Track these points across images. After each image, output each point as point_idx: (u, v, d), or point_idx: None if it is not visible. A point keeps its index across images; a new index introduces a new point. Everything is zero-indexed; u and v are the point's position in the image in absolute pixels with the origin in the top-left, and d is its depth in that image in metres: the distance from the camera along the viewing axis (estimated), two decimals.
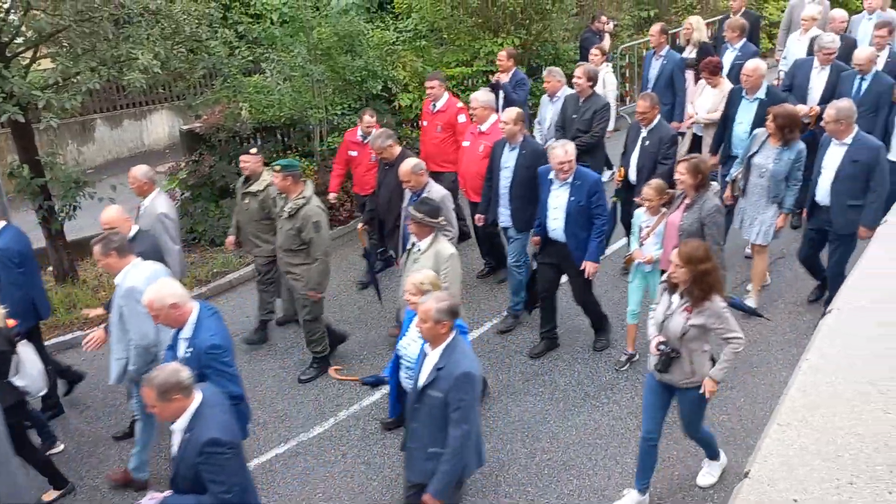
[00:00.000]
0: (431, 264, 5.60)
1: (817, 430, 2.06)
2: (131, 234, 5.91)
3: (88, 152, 13.49)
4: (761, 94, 7.62)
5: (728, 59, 9.22)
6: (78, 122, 13.23)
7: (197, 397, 3.89)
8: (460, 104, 8.68)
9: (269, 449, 6.24)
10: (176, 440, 3.96)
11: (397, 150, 7.42)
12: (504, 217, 7.35)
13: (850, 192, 6.46)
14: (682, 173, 5.97)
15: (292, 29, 9.76)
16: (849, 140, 6.49)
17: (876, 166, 6.39)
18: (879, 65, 8.24)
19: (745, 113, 7.69)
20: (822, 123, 6.82)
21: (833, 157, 6.59)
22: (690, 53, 9.73)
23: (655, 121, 7.27)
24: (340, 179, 8.68)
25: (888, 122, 7.51)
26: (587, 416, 6.22)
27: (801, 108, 8.18)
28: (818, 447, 2.00)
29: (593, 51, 9.91)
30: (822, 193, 6.68)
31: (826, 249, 6.92)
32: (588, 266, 6.55)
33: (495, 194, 7.32)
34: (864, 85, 7.70)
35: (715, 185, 6.36)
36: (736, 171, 7.11)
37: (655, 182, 6.30)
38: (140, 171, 6.71)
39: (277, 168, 6.57)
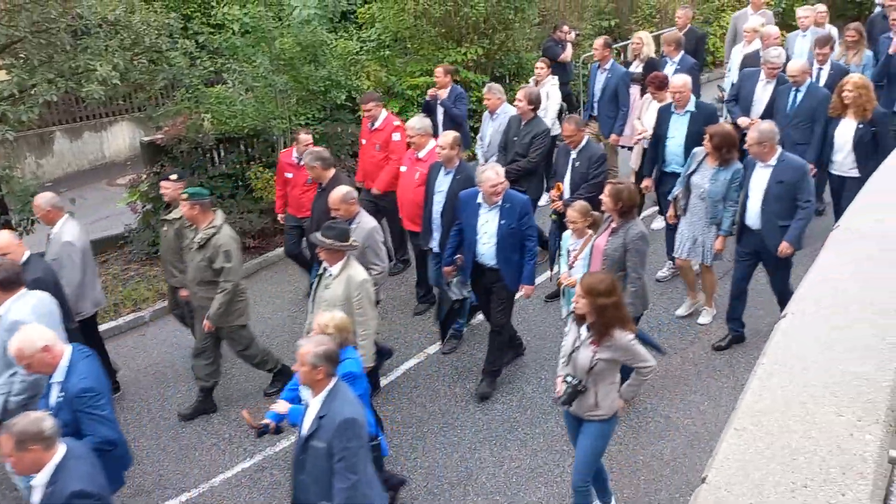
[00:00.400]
0: (342, 289, 5.44)
1: (772, 434, 2.10)
2: (23, 259, 5.67)
3: (47, 165, 13.23)
4: (691, 107, 7.65)
5: (669, 72, 9.13)
6: (36, 135, 12.98)
7: (60, 450, 3.67)
8: (397, 122, 8.47)
9: (235, 464, 6.19)
10: (36, 498, 3.68)
11: (329, 173, 7.11)
12: (435, 243, 7.11)
13: (780, 213, 6.37)
14: (605, 196, 5.86)
15: (254, 39, 9.70)
16: (773, 161, 6.40)
17: (802, 185, 6.33)
18: (822, 80, 8.40)
19: (677, 127, 7.67)
20: (745, 146, 6.72)
21: (759, 180, 6.48)
22: (637, 68, 9.69)
23: (583, 142, 7.27)
24: (283, 200, 8.39)
25: (826, 133, 7.58)
26: (554, 423, 6.25)
27: (744, 121, 8.32)
28: (773, 451, 2.04)
29: (539, 64, 9.84)
30: (752, 216, 6.56)
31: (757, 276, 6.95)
32: (525, 289, 6.45)
33: (426, 219, 7.15)
34: (799, 97, 7.84)
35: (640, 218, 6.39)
36: (677, 190, 7.08)
37: (579, 204, 6.19)
38: (43, 199, 6.49)
39: (184, 196, 6.24)
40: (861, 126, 7.27)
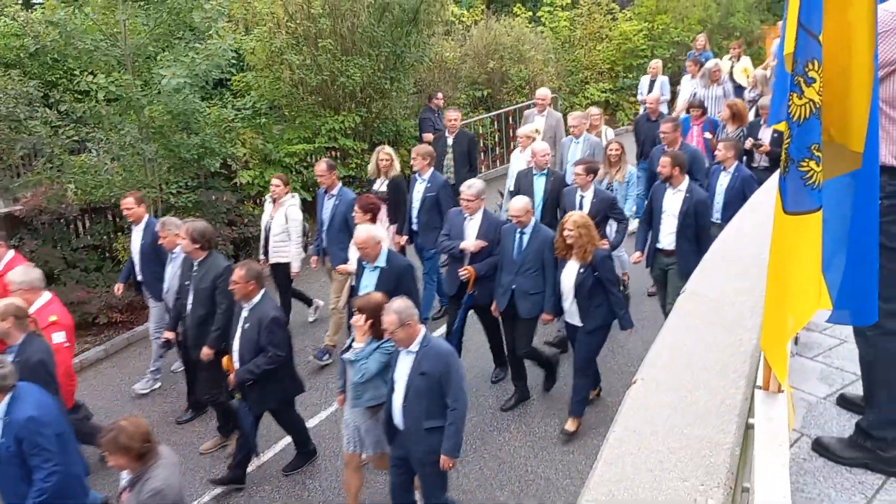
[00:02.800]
0: None
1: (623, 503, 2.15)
2: None
3: None
4: (381, 261, 6.42)
5: (418, 190, 8.32)
6: None
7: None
8: None
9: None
10: None
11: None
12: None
13: (425, 411, 5.11)
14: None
15: (120, 107, 9.44)
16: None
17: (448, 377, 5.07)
18: (586, 207, 7.46)
19: (369, 279, 6.46)
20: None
21: (403, 369, 5.12)
22: (382, 186, 8.61)
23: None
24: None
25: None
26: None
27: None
28: None
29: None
30: (397, 413, 5.16)
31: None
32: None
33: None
34: (525, 240, 6.79)
35: None
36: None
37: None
38: None
39: None
40: (582, 270, 6.35)
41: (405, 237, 8.54)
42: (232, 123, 10.60)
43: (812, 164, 2.06)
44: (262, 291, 5.94)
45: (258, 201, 11.26)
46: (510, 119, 14.46)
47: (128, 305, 9.30)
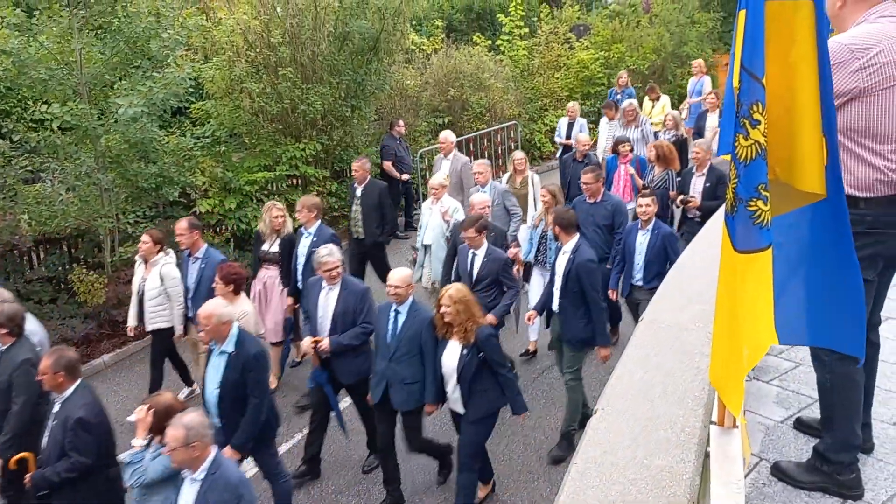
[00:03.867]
0: None
1: None
2: None
3: None
4: (229, 347, 5.45)
5: (304, 244, 7.66)
6: None
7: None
8: None
9: None
10: None
11: None
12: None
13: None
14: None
15: (76, 137, 9.30)
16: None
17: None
18: (477, 267, 6.96)
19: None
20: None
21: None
22: (273, 246, 7.91)
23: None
24: None
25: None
26: None
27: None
28: None
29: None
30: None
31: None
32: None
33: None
34: (401, 320, 5.88)
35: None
36: None
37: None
38: None
39: None
40: (465, 351, 5.55)
41: (290, 298, 7.79)
42: (191, 152, 10.51)
43: (760, 203, 2.11)
44: (76, 384, 5.01)
45: (217, 230, 11.15)
46: (471, 146, 14.59)
47: (83, 338, 9.10)
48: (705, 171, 8.47)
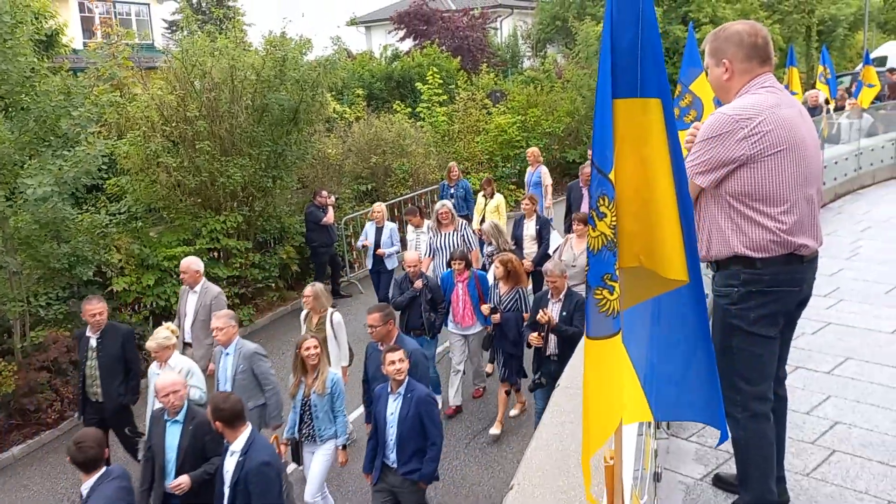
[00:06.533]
0: None
1: None
2: None
3: None
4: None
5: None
6: None
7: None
8: None
9: None
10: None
11: None
12: None
13: None
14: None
15: None
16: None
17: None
18: None
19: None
20: None
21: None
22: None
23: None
24: None
25: None
26: None
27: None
28: None
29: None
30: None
31: None
32: None
33: None
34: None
35: None
36: None
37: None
38: None
39: None
40: None
41: None
42: (106, 229, 10.23)
43: (605, 293, 2.18)
44: None
45: (136, 308, 10.81)
46: (395, 211, 14.68)
47: None
48: (562, 296, 7.01)
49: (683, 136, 5.94)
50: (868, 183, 12.91)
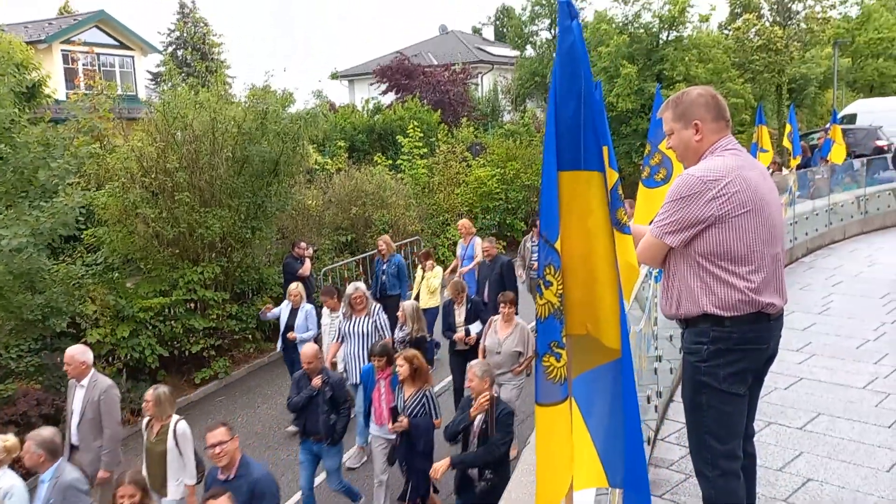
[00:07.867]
0: None
1: None
2: None
3: None
4: None
5: None
6: None
7: None
8: None
9: None
10: None
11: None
12: None
13: None
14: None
15: None
16: None
17: None
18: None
19: None
20: None
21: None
22: None
23: None
24: None
25: None
26: None
27: None
28: None
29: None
30: None
31: None
32: None
33: None
34: None
35: None
36: None
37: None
38: None
39: None
40: None
41: None
42: (82, 280, 10.16)
43: (552, 360, 2.23)
44: None
45: (110, 360, 10.66)
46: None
47: None
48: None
49: (653, 194, 6.08)
50: (839, 238, 13.16)
